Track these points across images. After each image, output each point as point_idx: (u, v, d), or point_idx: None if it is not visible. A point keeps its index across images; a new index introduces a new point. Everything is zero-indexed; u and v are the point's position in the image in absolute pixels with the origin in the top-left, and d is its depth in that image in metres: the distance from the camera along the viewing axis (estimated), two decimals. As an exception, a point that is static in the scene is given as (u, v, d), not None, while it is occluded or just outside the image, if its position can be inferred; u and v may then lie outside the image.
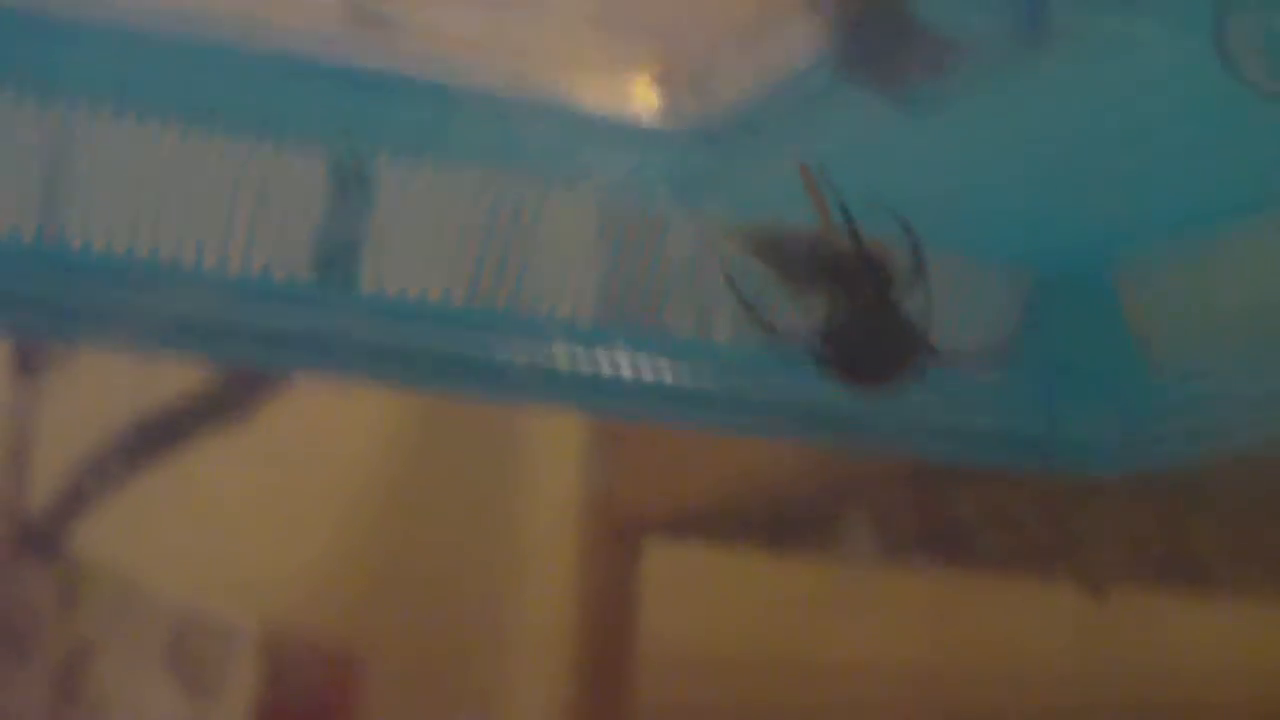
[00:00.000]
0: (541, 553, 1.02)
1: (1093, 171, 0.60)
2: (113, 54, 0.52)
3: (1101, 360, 0.69)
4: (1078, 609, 0.86)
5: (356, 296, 0.61)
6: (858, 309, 0.47)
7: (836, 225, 0.47)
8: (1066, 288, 0.68)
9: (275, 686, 0.95)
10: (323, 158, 0.58)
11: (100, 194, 0.58)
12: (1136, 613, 0.84)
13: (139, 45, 0.52)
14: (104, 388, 0.85)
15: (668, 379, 0.64)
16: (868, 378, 0.49)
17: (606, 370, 0.63)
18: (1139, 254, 0.67)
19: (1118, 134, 0.57)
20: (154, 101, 0.55)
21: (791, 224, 0.48)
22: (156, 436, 0.89)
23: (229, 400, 0.89)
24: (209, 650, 0.93)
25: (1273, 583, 0.74)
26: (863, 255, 0.47)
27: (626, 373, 0.63)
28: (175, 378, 0.89)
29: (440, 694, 0.99)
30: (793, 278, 0.48)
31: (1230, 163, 0.59)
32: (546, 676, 1.01)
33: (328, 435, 0.95)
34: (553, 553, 1.01)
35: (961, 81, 0.51)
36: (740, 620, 0.97)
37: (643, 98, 0.55)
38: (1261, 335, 0.65)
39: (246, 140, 0.57)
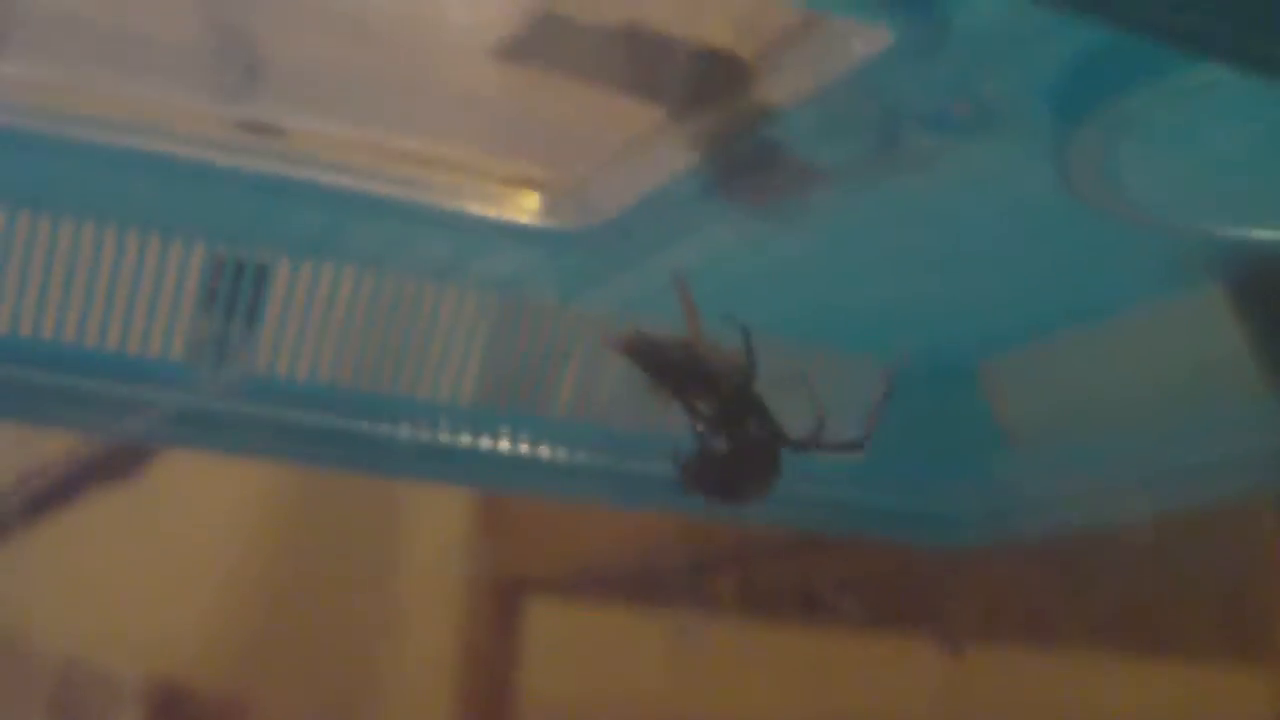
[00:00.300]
0: (421, 609, 1.03)
1: (953, 278, 0.63)
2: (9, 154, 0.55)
3: (965, 441, 0.72)
4: (939, 668, 0.88)
5: (248, 377, 0.63)
6: (715, 429, 0.50)
7: (703, 334, 0.50)
8: (933, 375, 0.71)
9: (157, 737, 0.95)
10: (221, 252, 0.60)
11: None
12: (993, 671, 0.86)
13: (28, 147, 0.55)
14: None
15: (545, 455, 0.67)
16: (725, 496, 0.52)
17: (488, 447, 0.66)
18: (1003, 348, 0.71)
19: (974, 246, 0.60)
20: (63, 199, 0.57)
21: (660, 333, 0.51)
22: (41, 496, 0.89)
23: (115, 461, 0.89)
24: (92, 701, 0.94)
25: (1119, 640, 0.76)
26: (726, 362, 0.50)
27: (505, 448, 0.66)
28: (60, 440, 0.90)
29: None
30: (661, 382, 0.51)
31: (1080, 271, 0.62)
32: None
33: (211, 495, 0.95)
34: (433, 610, 1.02)
35: (823, 198, 0.54)
36: (616, 681, 0.98)
37: (527, 205, 0.57)
38: (1109, 422, 0.69)
39: (147, 234, 0.59)
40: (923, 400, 0.69)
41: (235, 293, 0.61)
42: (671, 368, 0.50)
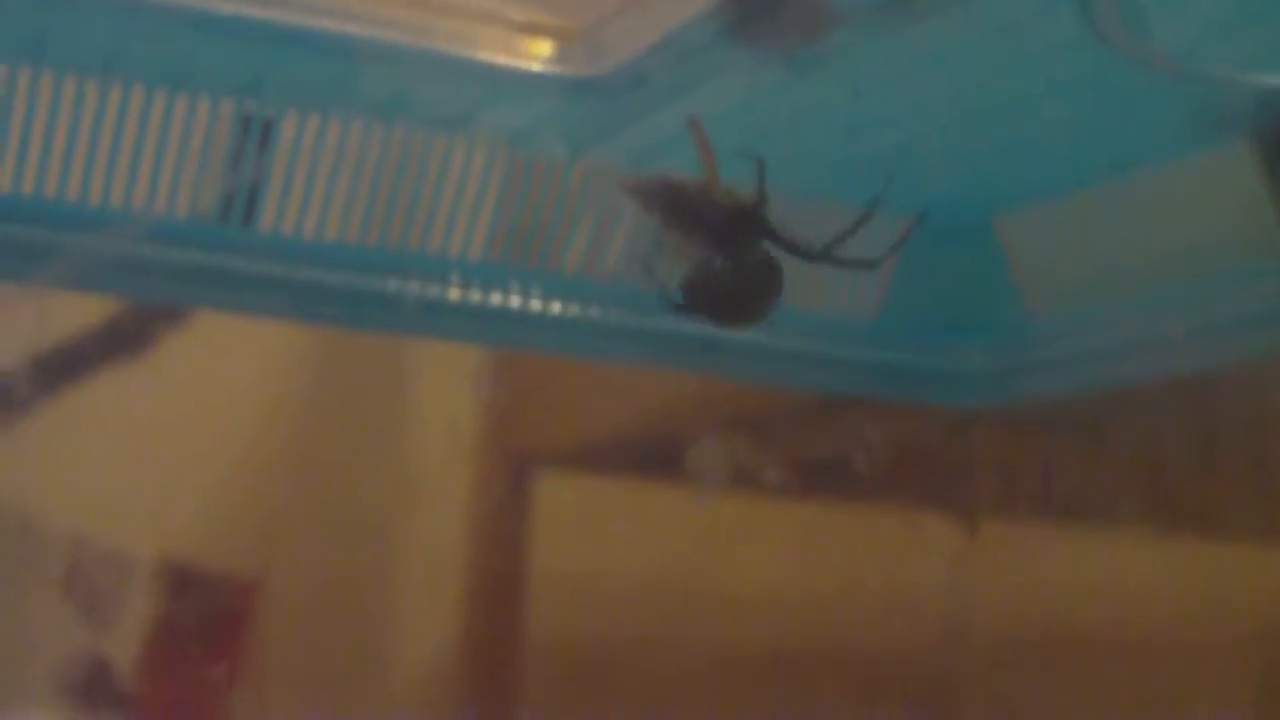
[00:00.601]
0: (436, 481, 1.03)
1: (972, 130, 0.62)
2: (28, 8, 0.54)
3: (979, 299, 0.72)
4: (952, 542, 0.88)
5: (256, 235, 0.63)
6: (720, 250, 0.49)
7: (719, 177, 0.50)
8: (949, 232, 0.70)
9: (171, 613, 0.96)
10: (226, 106, 0.59)
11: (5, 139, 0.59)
12: (1007, 545, 0.86)
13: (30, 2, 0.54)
14: (4, 322, 0.86)
15: (556, 311, 0.66)
16: (727, 318, 0.52)
17: (498, 303, 0.65)
18: (1019, 204, 0.70)
19: (994, 97, 0.59)
20: (63, 54, 0.56)
21: (677, 175, 0.50)
22: (51, 373, 0.89)
23: (124, 337, 0.89)
24: (105, 578, 0.94)
25: (1137, 509, 0.76)
26: (741, 204, 0.50)
27: (517, 304, 0.66)
28: (76, 312, 0.89)
29: (336, 618, 0.99)
30: (675, 226, 0.50)
31: (1102, 124, 0.62)
32: (439, 603, 1.02)
33: (224, 367, 0.95)
34: (446, 481, 1.02)
35: (840, 44, 0.53)
36: (630, 551, 0.98)
37: (538, 52, 0.56)
38: (1127, 281, 0.68)
39: (152, 90, 0.58)
40: (937, 257, 0.69)
41: (243, 148, 0.60)
42: (686, 210, 0.50)
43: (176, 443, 0.95)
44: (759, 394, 0.85)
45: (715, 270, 0.50)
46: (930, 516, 0.90)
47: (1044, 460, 0.79)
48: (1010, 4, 0.51)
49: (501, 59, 0.56)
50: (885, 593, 0.93)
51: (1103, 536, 0.79)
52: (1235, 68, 0.55)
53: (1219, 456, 0.73)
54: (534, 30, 0.56)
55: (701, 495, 0.90)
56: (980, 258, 0.71)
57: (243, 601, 0.96)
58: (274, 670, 0.97)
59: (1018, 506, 0.82)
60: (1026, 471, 0.81)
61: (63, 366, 0.89)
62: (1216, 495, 0.75)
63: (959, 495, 0.86)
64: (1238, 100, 0.58)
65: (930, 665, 0.90)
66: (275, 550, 1.00)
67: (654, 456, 0.96)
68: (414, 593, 1.03)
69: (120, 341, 0.89)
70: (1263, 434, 0.69)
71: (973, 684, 0.87)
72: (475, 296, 0.65)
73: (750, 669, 0.96)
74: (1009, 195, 0.69)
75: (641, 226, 0.53)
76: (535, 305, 0.67)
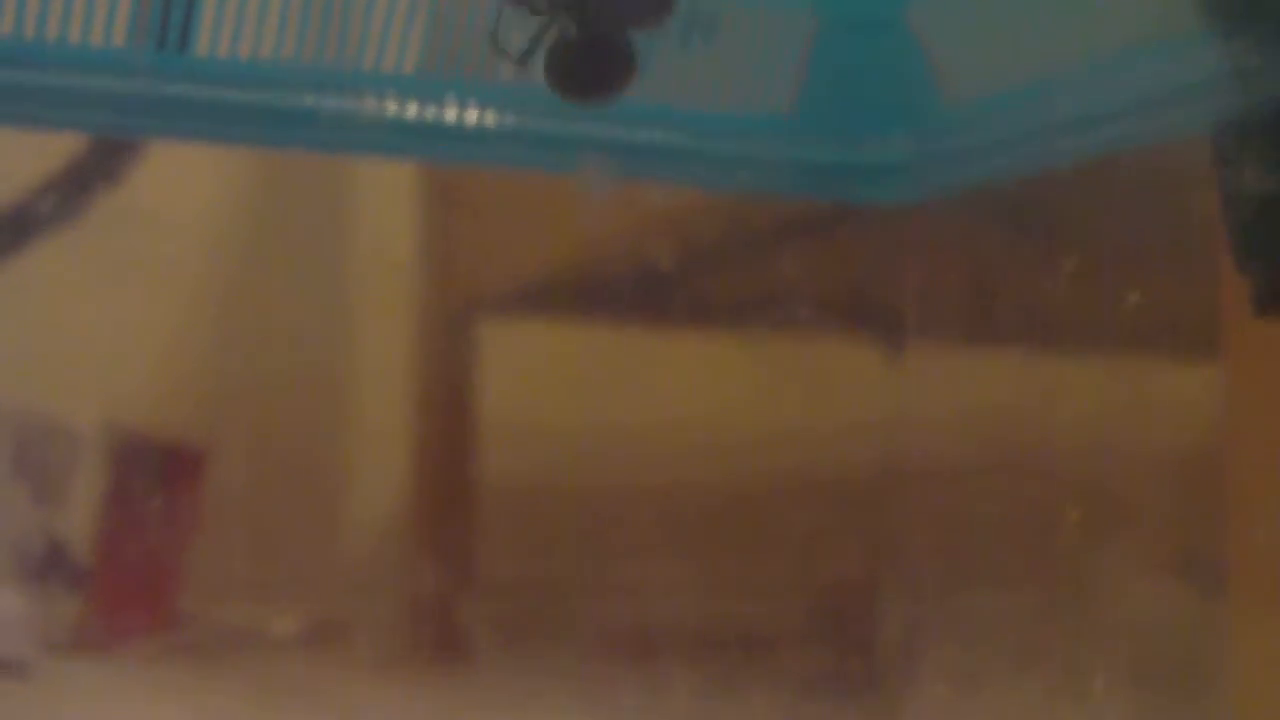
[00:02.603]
0: (376, 335, 1.03)
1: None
2: None
3: (896, 91, 0.72)
4: (879, 366, 0.89)
5: (190, 59, 0.63)
6: (575, 26, 0.50)
7: None
8: (862, 25, 0.71)
9: (121, 484, 0.96)
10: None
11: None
12: (934, 366, 0.87)
13: None
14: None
15: (489, 122, 0.67)
16: (582, 92, 0.53)
17: (431, 116, 0.66)
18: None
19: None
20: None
21: None
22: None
23: (61, 202, 0.89)
24: (54, 454, 0.94)
25: (1062, 318, 0.76)
26: None
27: (452, 118, 0.66)
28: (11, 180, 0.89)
29: (287, 477, 1.00)
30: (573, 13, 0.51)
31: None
32: (389, 455, 1.02)
33: (159, 224, 0.95)
34: (388, 334, 1.02)
35: None
36: (570, 394, 0.99)
37: None
38: (1041, 65, 0.69)
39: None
40: (851, 51, 0.69)
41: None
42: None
43: (115, 304, 0.95)
44: (685, 218, 0.86)
45: (572, 45, 0.51)
46: (858, 335, 0.90)
47: (971, 256, 0.79)
48: None
49: None
50: (820, 416, 0.94)
51: (1029, 346, 0.80)
52: None
53: (1135, 242, 0.73)
54: None
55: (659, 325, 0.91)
56: (895, 49, 0.71)
57: (192, 463, 0.97)
58: (228, 533, 0.97)
59: (945, 316, 0.83)
60: (955, 271, 0.81)
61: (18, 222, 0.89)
62: (1136, 292, 0.75)
63: (885, 317, 0.87)
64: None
65: (868, 484, 0.91)
66: (222, 413, 1.00)
67: (588, 293, 0.96)
68: (363, 447, 1.03)
69: (54, 206, 0.89)
70: (1177, 215, 0.70)
71: (911, 498, 0.88)
72: (398, 109, 0.66)
73: (690, 504, 0.97)
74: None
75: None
76: (462, 116, 0.67)
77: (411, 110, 0.65)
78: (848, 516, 0.92)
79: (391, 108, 0.65)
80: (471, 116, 0.66)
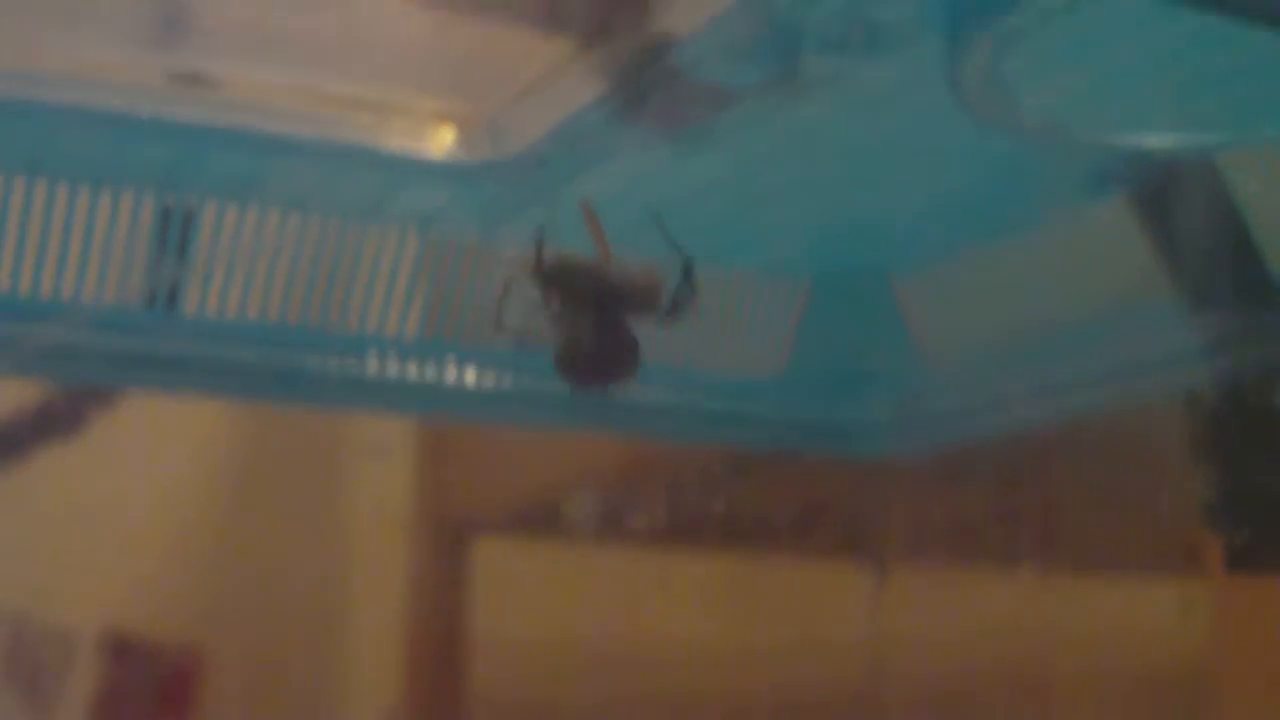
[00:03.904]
0: (372, 553, 1.04)
1: (861, 198, 0.65)
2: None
3: (880, 354, 0.75)
4: (865, 591, 0.90)
5: (184, 319, 0.65)
6: (591, 325, 0.53)
7: (612, 255, 0.53)
8: (847, 291, 0.73)
9: (113, 689, 0.96)
10: (148, 200, 0.62)
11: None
12: (920, 592, 0.88)
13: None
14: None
15: (477, 382, 0.69)
16: (588, 381, 0.55)
17: (429, 377, 0.68)
18: (912, 264, 0.73)
19: (879, 166, 0.62)
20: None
21: (573, 254, 0.53)
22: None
23: (61, 413, 0.90)
24: (45, 656, 0.94)
25: (1041, 547, 0.78)
26: (630, 278, 0.53)
27: (448, 379, 0.68)
28: (7, 396, 0.91)
29: (277, 693, 1.00)
30: (568, 300, 0.53)
31: (987, 186, 0.64)
32: (381, 673, 1.02)
33: (155, 446, 0.96)
34: (381, 554, 1.03)
35: (729, 122, 0.56)
36: (563, 613, 0.99)
37: (442, 140, 0.59)
38: (1020, 333, 0.71)
39: (76, 186, 0.61)
40: (838, 315, 0.72)
41: (165, 238, 0.62)
42: (578, 286, 0.53)
43: (112, 521, 0.95)
44: (677, 453, 0.87)
45: (582, 343, 0.53)
46: (843, 564, 0.92)
47: (951, 506, 0.81)
48: (882, 82, 0.53)
49: (408, 148, 0.58)
50: (803, 641, 0.95)
51: (1011, 579, 0.81)
52: (1103, 130, 0.58)
53: (1114, 495, 0.75)
54: (439, 119, 0.59)
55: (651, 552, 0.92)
56: (879, 315, 0.73)
57: (184, 677, 0.97)
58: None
59: (927, 551, 0.84)
60: (935, 519, 0.83)
61: (-2, 449, 0.90)
62: (1114, 533, 0.77)
63: (870, 545, 0.88)
64: (1114, 159, 0.61)
65: (848, 710, 0.92)
66: (215, 627, 1.00)
67: (586, 518, 0.97)
68: (354, 665, 1.03)
69: (53, 423, 0.90)
70: (1153, 474, 0.72)
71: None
72: (398, 370, 0.68)
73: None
74: (905, 256, 0.72)
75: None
76: (459, 378, 0.69)
77: (411, 371, 0.67)
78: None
79: (391, 369, 0.67)
80: (469, 378, 0.68)
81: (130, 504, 0.96)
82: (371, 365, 0.67)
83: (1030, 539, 0.77)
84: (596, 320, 0.53)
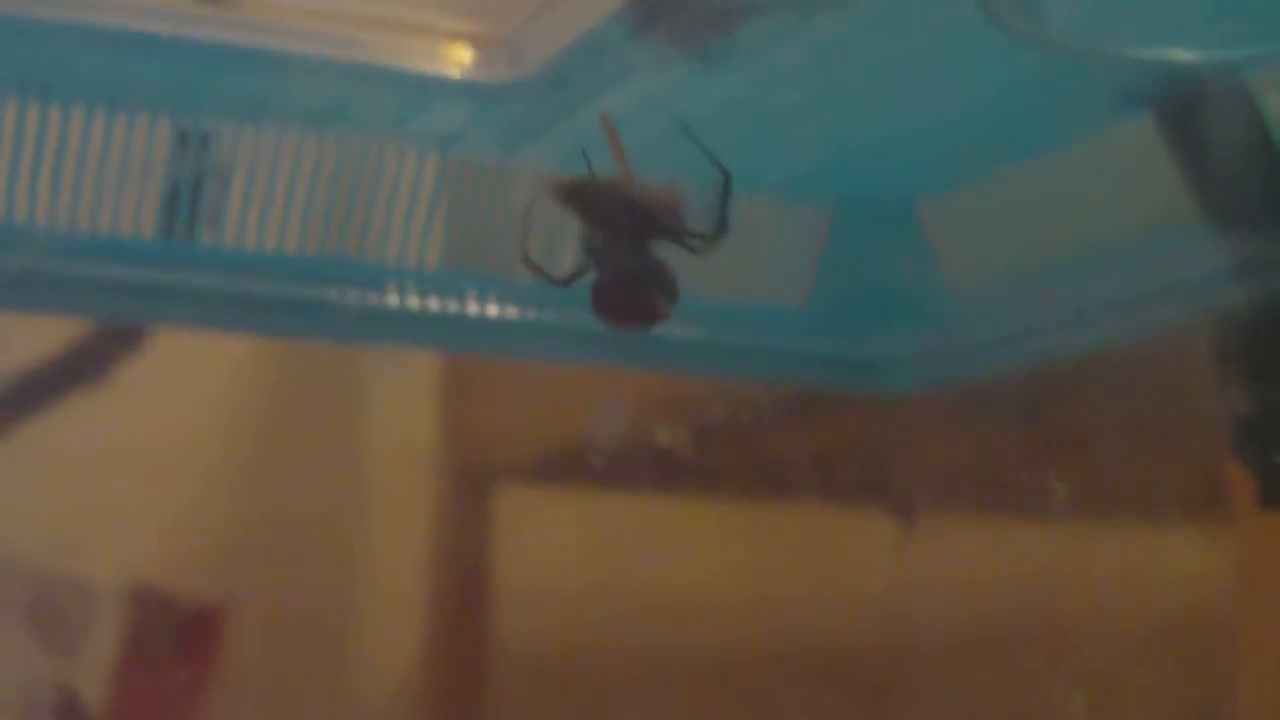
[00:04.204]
0: (396, 497, 1.04)
1: (886, 118, 0.65)
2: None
3: (906, 285, 0.74)
4: (890, 537, 0.90)
5: (203, 249, 0.65)
6: (620, 256, 0.52)
7: (633, 173, 0.52)
8: (872, 219, 0.73)
9: (136, 641, 0.96)
10: (165, 124, 0.61)
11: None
12: (945, 539, 0.87)
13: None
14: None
15: (502, 315, 0.68)
16: (622, 319, 0.54)
17: (447, 309, 0.67)
18: (939, 189, 0.72)
19: (903, 85, 0.61)
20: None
21: (595, 173, 0.52)
22: (12, 401, 0.90)
23: (85, 361, 0.90)
24: (70, 609, 0.95)
25: (1068, 491, 0.77)
26: (654, 199, 0.52)
27: (464, 310, 0.68)
28: (28, 341, 0.90)
29: (302, 639, 1.00)
30: (595, 224, 0.53)
31: (1015, 106, 0.64)
32: (404, 620, 1.02)
33: (180, 392, 0.96)
34: (406, 498, 1.03)
35: (750, 37, 0.55)
36: (585, 560, 0.99)
37: (461, 59, 0.59)
38: (1050, 259, 0.71)
39: (92, 109, 0.60)
40: (862, 245, 0.71)
41: (182, 163, 0.62)
42: (603, 208, 0.52)
43: (137, 469, 0.95)
44: (701, 393, 0.87)
45: (611, 277, 0.52)
46: (867, 509, 0.91)
47: (977, 444, 0.80)
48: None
49: (427, 68, 0.58)
50: (827, 588, 0.95)
51: (1037, 522, 0.81)
52: (1131, 45, 0.57)
53: (1144, 429, 0.74)
54: (457, 38, 0.58)
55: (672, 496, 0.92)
56: (905, 244, 0.73)
57: (208, 625, 0.97)
58: (242, 693, 0.98)
59: (953, 493, 0.84)
60: (961, 456, 0.82)
61: (21, 397, 0.90)
62: (1143, 470, 0.76)
63: (894, 485, 0.87)
64: (1142, 77, 0.61)
65: (872, 659, 0.92)
66: (239, 573, 1.00)
67: (604, 463, 0.97)
68: (378, 610, 1.03)
69: (78, 370, 0.90)
70: (1183, 404, 0.71)
71: (914, 676, 0.88)
72: (419, 303, 0.67)
73: (702, 672, 0.97)
74: (929, 181, 0.71)
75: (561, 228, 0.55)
76: (482, 309, 0.68)
77: (419, 302, 0.67)
78: (851, 687, 0.93)
79: (397, 299, 0.66)
80: (492, 310, 0.67)
81: (153, 450, 0.96)
82: (392, 297, 0.67)
83: (1057, 477, 0.76)
84: (630, 253, 0.52)
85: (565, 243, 0.55)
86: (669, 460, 0.89)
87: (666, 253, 0.54)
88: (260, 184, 0.63)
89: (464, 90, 0.59)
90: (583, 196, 0.53)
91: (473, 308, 0.68)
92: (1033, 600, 0.82)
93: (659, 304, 0.53)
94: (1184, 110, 0.62)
